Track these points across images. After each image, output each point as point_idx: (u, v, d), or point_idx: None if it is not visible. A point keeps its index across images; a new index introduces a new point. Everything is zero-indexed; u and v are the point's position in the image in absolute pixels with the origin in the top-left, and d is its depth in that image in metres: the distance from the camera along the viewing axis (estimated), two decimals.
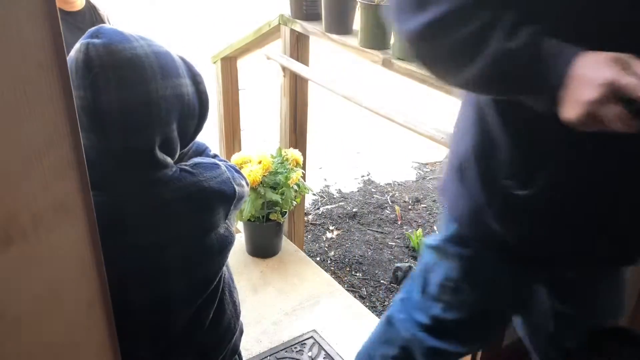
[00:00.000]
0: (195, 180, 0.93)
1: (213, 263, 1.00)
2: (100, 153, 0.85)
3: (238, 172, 1.05)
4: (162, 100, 0.85)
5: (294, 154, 2.38)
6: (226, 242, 1.00)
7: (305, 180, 2.52)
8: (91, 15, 2.29)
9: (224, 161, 1.06)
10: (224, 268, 1.05)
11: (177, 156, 0.94)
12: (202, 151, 1.08)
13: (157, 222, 0.91)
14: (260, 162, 2.31)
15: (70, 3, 2.21)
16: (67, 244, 0.67)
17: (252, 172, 2.26)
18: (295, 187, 2.37)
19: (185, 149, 0.99)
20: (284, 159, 2.38)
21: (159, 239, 0.92)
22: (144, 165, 0.88)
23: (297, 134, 2.46)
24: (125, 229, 0.89)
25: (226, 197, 0.98)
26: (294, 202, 2.42)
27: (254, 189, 2.29)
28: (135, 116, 0.84)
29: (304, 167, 2.47)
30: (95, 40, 0.82)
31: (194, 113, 0.93)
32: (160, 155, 0.89)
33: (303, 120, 2.44)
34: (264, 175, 2.31)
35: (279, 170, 2.36)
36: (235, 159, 2.35)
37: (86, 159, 0.84)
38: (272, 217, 2.38)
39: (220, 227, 0.98)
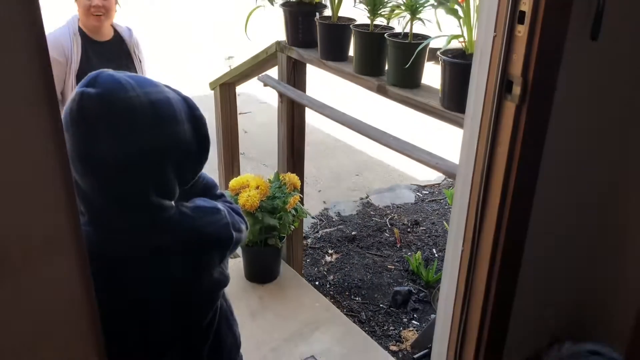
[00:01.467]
0: (193, 225, 0.94)
1: (204, 305, 1.00)
2: (96, 194, 0.86)
3: (240, 214, 1.06)
4: (155, 148, 0.86)
5: (291, 178, 2.39)
6: (219, 286, 1.01)
7: (303, 204, 2.52)
8: (119, 45, 2.37)
9: (229, 202, 1.07)
10: (221, 301, 1.05)
11: (176, 196, 0.95)
12: (210, 188, 1.08)
13: (150, 263, 0.91)
14: (257, 187, 2.31)
15: (99, 33, 2.30)
16: (58, 279, 0.68)
17: (250, 197, 2.27)
18: (293, 212, 2.38)
19: (190, 185, 0.99)
20: (282, 183, 2.39)
21: (150, 279, 0.92)
22: (139, 208, 0.89)
23: (294, 158, 2.47)
24: (116, 267, 0.89)
25: (222, 243, 0.98)
26: (292, 227, 2.42)
27: (251, 214, 2.30)
28: (127, 164, 0.84)
29: (301, 191, 2.47)
30: (91, 90, 0.83)
31: (193, 156, 0.93)
32: (156, 199, 0.89)
33: (300, 144, 2.46)
34: (262, 200, 2.32)
35: (276, 195, 2.37)
36: (233, 183, 2.36)
37: (83, 197, 0.86)
38: (270, 242, 2.38)
39: (214, 271, 0.98)
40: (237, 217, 1.03)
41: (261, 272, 2.48)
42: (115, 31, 2.37)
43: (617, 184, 1.68)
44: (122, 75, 0.87)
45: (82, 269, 0.67)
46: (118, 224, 0.89)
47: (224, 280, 1.02)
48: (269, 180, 2.44)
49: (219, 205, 1.00)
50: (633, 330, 1.76)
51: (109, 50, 2.33)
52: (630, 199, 1.67)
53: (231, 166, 2.84)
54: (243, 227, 1.04)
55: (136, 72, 2.39)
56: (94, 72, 0.86)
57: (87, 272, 0.68)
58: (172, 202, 0.94)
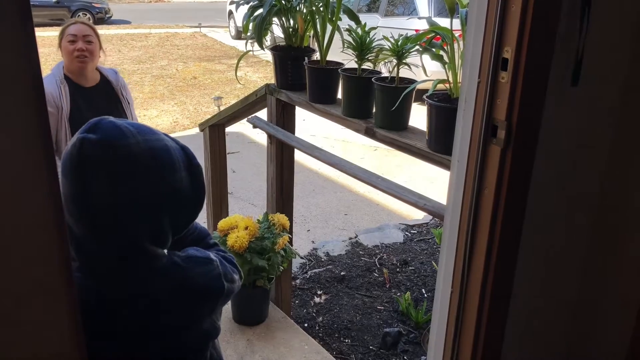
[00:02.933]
0: (184, 276, 0.93)
1: (193, 354, 0.99)
2: (88, 240, 0.86)
3: (233, 264, 1.05)
4: (152, 196, 0.86)
5: (280, 218, 2.39)
6: (208, 337, 1.00)
7: (292, 244, 2.52)
8: (106, 89, 2.39)
9: (222, 252, 1.06)
10: (210, 350, 1.04)
11: (169, 245, 0.95)
12: (203, 237, 1.09)
13: (139, 311, 0.90)
14: (246, 228, 2.31)
15: (85, 78, 2.32)
16: (47, 325, 0.67)
17: (239, 238, 2.26)
18: (282, 252, 2.37)
19: (183, 234, 0.99)
20: (271, 223, 2.39)
21: (138, 328, 0.91)
22: (131, 255, 0.89)
23: (283, 198, 2.48)
24: (105, 314, 0.89)
25: (213, 294, 0.97)
26: (281, 268, 2.41)
27: (240, 255, 2.29)
28: (123, 212, 0.85)
29: (290, 231, 2.47)
30: (91, 136, 0.84)
31: (188, 205, 0.93)
32: (149, 247, 0.89)
33: (289, 185, 2.47)
34: (251, 241, 2.31)
35: (265, 235, 2.36)
36: (222, 224, 2.36)
37: (76, 243, 0.86)
38: (258, 283, 2.36)
39: (204, 322, 0.97)
40: (229, 267, 1.02)
41: (249, 314, 2.45)
42: (102, 75, 2.39)
43: (601, 229, 1.70)
44: (122, 122, 0.88)
45: (72, 316, 0.67)
46: (108, 270, 0.88)
47: (214, 332, 1.00)
48: (258, 220, 2.43)
49: (212, 255, 1.00)
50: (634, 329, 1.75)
51: (96, 95, 2.34)
52: (617, 242, 1.69)
53: (220, 206, 2.84)
54: (236, 277, 1.03)
55: (125, 114, 2.41)
56: (95, 119, 0.87)
57: (77, 319, 0.67)
58: (165, 251, 0.94)
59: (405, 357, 2.52)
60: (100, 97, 2.35)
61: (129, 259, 0.89)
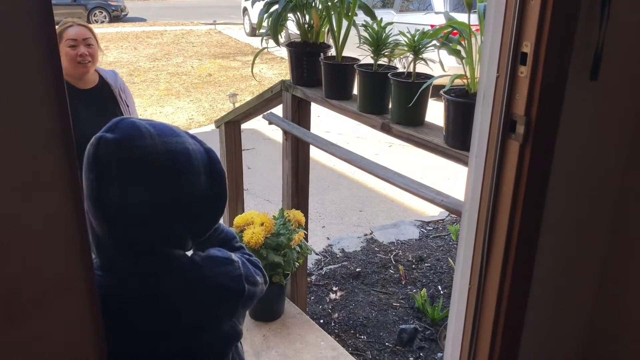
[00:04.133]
0: (200, 276, 0.93)
1: (212, 358, 0.98)
2: (106, 238, 0.87)
3: (258, 267, 1.04)
4: (165, 199, 0.86)
5: (296, 214, 2.39)
6: (229, 341, 0.98)
7: (307, 241, 2.52)
8: (105, 91, 2.33)
9: (247, 255, 1.05)
10: (233, 354, 1.02)
11: (188, 248, 0.94)
12: (229, 240, 1.08)
13: (157, 310, 0.91)
14: (262, 224, 2.32)
15: (84, 80, 2.27)
16: (69, 322, 0.68)
17: (255, 234, 2.27)
18: (298, 248, 2.37)
19: (207, 236, 0.98)
20: (286, 219, 2.40)
21: (156, 328, 0.91)
22: (147, 255, 0.89)
23: (299, 194, 2.48)
24: (123, 313, 0.89)
25: (232, 295, 0.95)
26: (297, 264, 2.41)
27: (255, 251, 2.29)
28: (135, 212, 0.85)
29: (306, 228, 2.47)
30: (109, 135, 0.84)
31: (207, 208, 0.92)
32: (164, 248, 0.90)
33: (305, 181, 2.47)
34: (266, 237, 2.32)
35: (281, 232, 2.37)
36: (237, 220, 2.37)
37: (97, 241, 0.86)
38: (274, 279, 2.37)
39: (224, 324, 0.96)
40: (253, 269, 1.01)
41: (265, 311, 2.46)
42: (100, 77, 2.34)
43: (619, 228, 1.68)
44: (143, 122, 0.88)
45: (93, 313, 0.67)
46: (127, 269, 0.89)
47: (235, 336, 0.99)
48: (274, 216, 2.44)
49: (234, 256, 0.99)
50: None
51: (94, 98, 2.29)
52: (634, 239, 1.67)
53: (235, 202, 2.85)
54: (259, 279, 1.02)
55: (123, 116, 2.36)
56: (117, 118, 0.88)
57: (98, 316, 0.68)
58: (183, 252, 0.94)
59: (421, 354, 2.52)
60: (98, 99, 2.30)
61: (145, 259, 0.89)
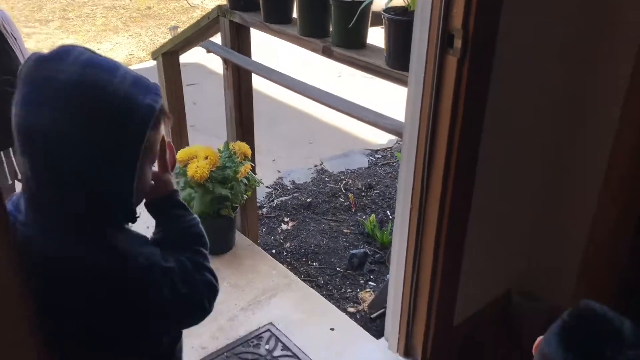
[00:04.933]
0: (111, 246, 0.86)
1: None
2: (30, 178, 0.81)
3: (206, 283, 0.98)
4: (62, 134, 0.77)
5: (241, 146, 2.35)
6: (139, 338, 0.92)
7: (255, 173, 2.49)
8: None
9: (202, 265, 0.99)
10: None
11: (123, 212, 0.88)
12: (192, 239, 1.02)
13: (75, 267, 0.84)
14: (206, 157, 2.27)
15: None
16: None
17: (199, 168, 2.22)
18: (245, 181, 2.35)
19: (167, 214, 0.93)
20: (232, 152, 2.35)
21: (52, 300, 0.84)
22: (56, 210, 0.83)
23: (243, 126, 2.43)
24: (36, 266, 0.81)
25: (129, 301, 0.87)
26: (245, 196, 2.39)
27: (201, 185, 2.26)
28: (33, 138, 0.78)
29: (253, 160, 2.44)
30: (38, 53, 0.80)
31: (108, 164, 0.81)
32: (76, 205, 0.83)
33: (249, 112, 2.41)
34: (212, 170, 2.28)
35: (227, 165, 2.33)
36: (181, 155, 2.31)
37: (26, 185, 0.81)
38: (222, 212, 2.35)
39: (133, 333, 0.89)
40: (193, 277, 0.94)
41: (216, 243, 2.45)
42: None
43: (563, 141, 1.71)
44: (86, 52, 0.81)
45: (11, 258, 0.63)
46: (46, 217, 0.83)
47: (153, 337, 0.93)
48: (219, 150, 2.39)
49: (177, 258, 0.92)
50: (577, 278, 1.83)
51: None
52: (575, 155, 1.72)
53: (179, 137, 2.77)
54: (189, 291, 0.93)
55: (13, 50, 2.19)
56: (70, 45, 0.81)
57: (17, 261, 0.64)
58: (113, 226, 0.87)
59: (371, 277, 2.58)
60: None
61: (65, 208, 0.82)
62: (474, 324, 1.84)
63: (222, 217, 2.36)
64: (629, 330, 0.93)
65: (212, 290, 1.00)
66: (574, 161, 1.71)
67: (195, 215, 1.06)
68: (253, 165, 2.42)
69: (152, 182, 0.97)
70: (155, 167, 0.98)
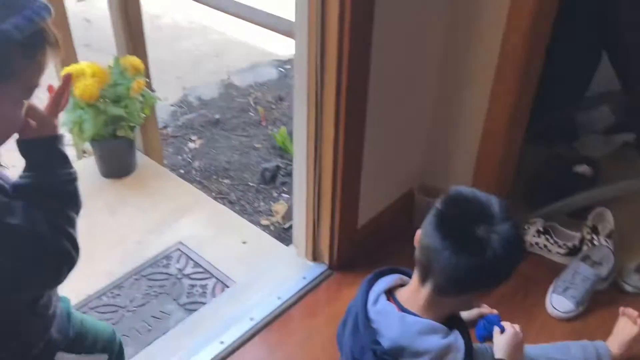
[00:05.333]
0: None
1: None
2: None
3: (64, 235, 0.86)
4: None
5: (132, 61, 2.18)
6: None
7: (154, 90, 2.35)
8: None
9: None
10: None
11: None
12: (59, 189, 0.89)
13: None
14: (94, 75, 2.09)
15: None
16: None
17: (87, 87, 2.05)
18: (140, 98, 2.20)
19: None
20: (123, 68, 2.18)
21: None
22: None
23: (133, 40, 2.24)
24: None
25: None
26: (143, 115, 2.26)
27: (92, 105, 2.10)
28: None
29: (147, 75, 2.28)
30: None
31: None
32: None
33: (137, 22, 2.22)
34: (102, 89, 2.12)
35: (118, 82, 2.17)
36: (63, 73, 2.12)
37: None
38: (119, 133, 2.21)
39: None
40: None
41: (116, 166, 2.33)
42: None
43: (456, 37, 1.69)
44: None
45: None
46: None
47: None
48: (109, 66, 2.21)
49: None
50: (475, 169, 1.88)
51: None
52: (467, 52, 1.70)
53: (66, 57, 2.54)
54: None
55: None
56: None
57: None
58: None
59: (284, 189, 2.57)
60: None
61: None
62: (378, 224, 1.88)
63: (120, 139, 2.22)
64: (497, 207, 0.95)
65: (65, 261, 0.87)
66: (467, 55, 1.70)
67: (75, 171, 0.93)
68: (148, 80, 2.27)
69: (33, 121, 0.86)
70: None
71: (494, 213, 0.94)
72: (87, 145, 2.34)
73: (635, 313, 1.53)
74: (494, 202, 0.96)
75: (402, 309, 1.02)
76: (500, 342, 1.19)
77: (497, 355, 1.18)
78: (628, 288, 1.80)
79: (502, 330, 1.19)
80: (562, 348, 1.49)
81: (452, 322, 1.06)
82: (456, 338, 1.02)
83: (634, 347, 1.51)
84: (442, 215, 0.96)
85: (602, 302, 1.66)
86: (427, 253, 0.96)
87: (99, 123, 2.12)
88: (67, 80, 0.90)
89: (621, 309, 1.57)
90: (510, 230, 0.93)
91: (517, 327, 1.21)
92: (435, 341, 0.99)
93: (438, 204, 0.98)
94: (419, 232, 1.02)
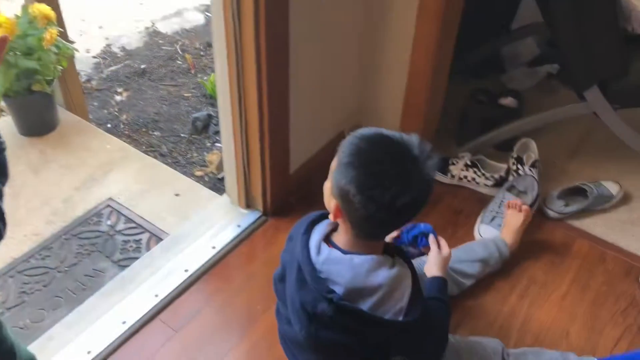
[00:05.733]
0: None
1: None
2: None
3: None
4: None
5: (41, 9, 2.03)
6: None
7: (68, 40, 2.21)
8: None
9: None
10: None
11: None
12: None
13: None
14: (0, 26, 1.94)
15: None
16: None
17: None
18: (55, 49, 2.07)
19: None
20: (32, 17, 2.04)
21: None
22: None
23: None
24: None
25: None
26: (59, 67, 2.13)
27: None
28: None
29: (60, 25, 2.14)
30: None
31: None
32: None
33: None
34: (11, 41, 1.97)
35: (28, 32, 2.02)
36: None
37: None
38: (35, 87, 2.09)
39: None
40: None
41: (35, 124, 2.21)
42: None
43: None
44: None
45: None
46: None
47: None
48: (16, 16, 2.06)
49: None
50: (403, 108, 1.89)
51: None
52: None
53: None
54: None
55: None
56: None
57: None
58: None
59: (217, 138, 2.51)
60: None
61: None
62: (311, 168, 1.87)
63: (36, 94, 2.10)
64: (417, 145, 0.94)
65: None
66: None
67: (4, 141, 0.85)
68: (62, 30, 2.13)
69: None
70: None
71: (415, 153, 0.93)
72: (2, 103, 2.20)
73: (519, 202, 1.72)
74: (414, 141, 0.95)
75: (346, 253, 1.02)
76: (438, 260, 1.25)
77: (435, 274, 1.24)
78: (551, 214, 1.89)
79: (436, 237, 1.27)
80: (467, 249, 1.62)
81: (389, 248, 1.08)
82: (402, 264, 1.05)
83: (522, 233, 1.70)
84: (357, 154, 0.94)
85: (528, 228, 1.73)
86: (346, 198, 0.94)
87: (11, 77, 1.99)
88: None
89: (506, 202, 1.74)
90: (431, 170, 0.93)
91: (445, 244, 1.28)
92: (384, 274, 1.00)
93: (354, 145, 0.95)
94: (327, 184, 1.00)
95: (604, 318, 1.58)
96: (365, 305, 1.00)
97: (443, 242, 1.31)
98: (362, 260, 1.00)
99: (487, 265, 1.61)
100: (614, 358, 1.38)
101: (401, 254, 1.10)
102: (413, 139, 0.95)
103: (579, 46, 1.68)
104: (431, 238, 1.30)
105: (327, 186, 1.00)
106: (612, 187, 1.94)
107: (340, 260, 1.01)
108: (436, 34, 1.63)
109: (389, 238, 1.29)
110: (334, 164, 0.97)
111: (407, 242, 1.30)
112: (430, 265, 1.28)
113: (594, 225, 1.87)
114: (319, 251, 1.03)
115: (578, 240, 1.82)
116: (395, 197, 0.90)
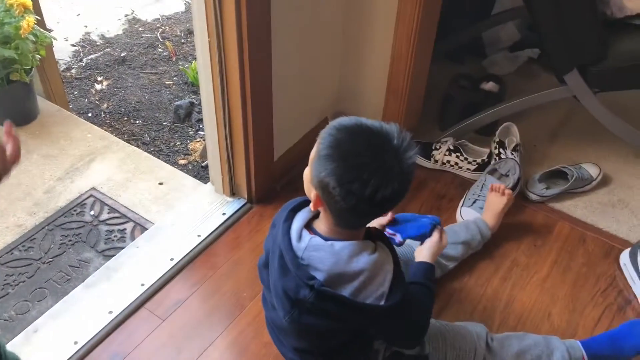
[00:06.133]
0: None
1: None
2: None
3: None
4: None
5: None
6: None
7: (46, 29, 2.18)
8: None
9: None
10: None
11: None
12: None
13: None
14: None
15: None
16: None
17: None
18: (32, 38, 2.04)
19: None
20: (8, 5, 2.00)
21: None
22: None
23: None
24: None
25: None
26: (38, 56, 2.10)
27: None
28: None
29: (38, 13, 2.11)
30: None
31: None
32: None
33: None
34: None
35: (5, 21, 1.99)
36: None
37: None
38: (13, 77, 2.05)
39: None
40: None
41: (15, 114, 2.17)
42: None
43: None
44: None
45: None
46: None
47: None
48: None
49: None
50: (386, 94, 1.90)
51: None
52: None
53: None
54: None
55: None
56: None
57: None
58: None
59: (200, 126, 2.50)
60: None
61: None
62: (295, 155, 1.87)
63: (15, 83, 2.07)
64: (396, 136, 0.93)
65: None
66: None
67: None
68: (39, 19, 2.10)
69: None
70: None
71: (394, 143, 0.92)
72: None
73: (502, 186, 1.75)
74: (377, 123, 0.95)
75: (327, 239, 1.02)
76: (435, 248, 1.25)
77: (424, 259, 1.24)
78: (533, 197, 1.91)
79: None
80: (450, 232, 1.59)
81: (371, 233, 1.09)
82: (382, 248, 1.05)
83: (502, 215, 1.73)
84: (337, 142, 0.93)
85: (509, 210, 1.76)
86: (326, 189, 0.94)
87: None
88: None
89: (490, 185, 1.77)
90: (411, 160, 0.93)
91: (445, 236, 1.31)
92: (365, 259, 1.01)
93: (333, 137, 0.94)
94: (307, 171, 1.00)
95: (585, 299, 1.62)
96: (347, 290, 1.01)
97: (445, 234, 1.31)
98: (342, 246, 1.01)
99: (470, 247, 1.64)
100: (594, 338, 1.41)
101: (383, 239, 1.11)
102: (393, 128, 0.93)
103: (558, 30, 1.70)
104: (438, 227, 1.29)
105: (307, 174, 1.00)
106: (592, 170, 1.97)
107: (321, 247, 1.01)
108: (418, 17, 1.63)
109: (378, 223, 1.27)
110: (313, 154, 0.96)
111: (415, 235, 1.28)
112: (423, 250, 1.27)
113: (575, 207, 1.91)
114: (300, 238, 1.03)
115: (559, 222, 1.85)
116: (375, 190, 0.90)
